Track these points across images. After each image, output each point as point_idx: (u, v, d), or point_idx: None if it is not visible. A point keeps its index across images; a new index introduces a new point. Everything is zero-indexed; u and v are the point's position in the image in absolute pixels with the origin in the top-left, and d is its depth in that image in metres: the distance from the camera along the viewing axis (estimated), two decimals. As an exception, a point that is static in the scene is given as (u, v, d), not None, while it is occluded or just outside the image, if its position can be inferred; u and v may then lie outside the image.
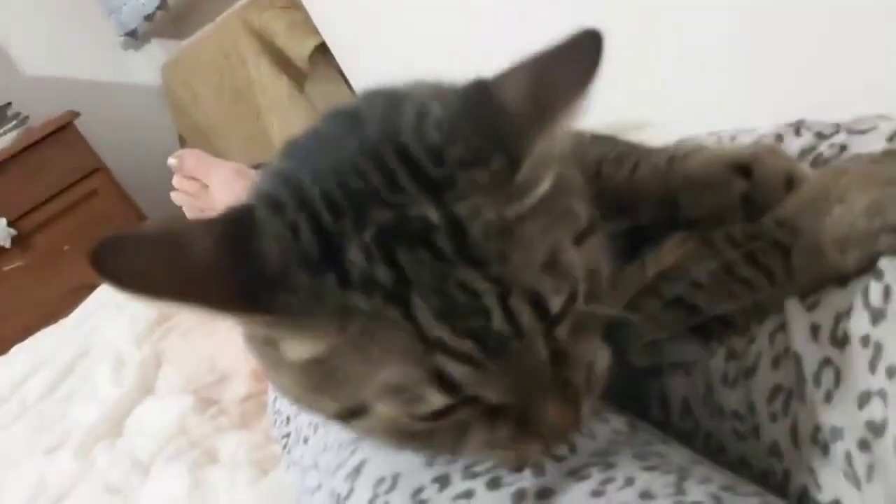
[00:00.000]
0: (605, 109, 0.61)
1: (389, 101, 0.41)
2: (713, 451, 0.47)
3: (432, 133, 0.37)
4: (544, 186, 0.37)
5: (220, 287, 0.35)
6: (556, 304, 0.36)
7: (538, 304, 0.35)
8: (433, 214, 0.35)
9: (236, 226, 0.37)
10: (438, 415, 0.37)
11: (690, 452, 0.45)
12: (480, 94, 0.39)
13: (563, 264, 0.37)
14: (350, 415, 0.38)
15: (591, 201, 0.47)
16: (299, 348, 0.37)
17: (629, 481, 0.38)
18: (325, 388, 0.38)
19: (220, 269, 0.35)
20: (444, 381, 0.35)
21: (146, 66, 3.00)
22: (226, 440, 1.01)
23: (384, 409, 0.37)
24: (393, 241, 0.35)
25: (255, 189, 0.41)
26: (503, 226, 0.35)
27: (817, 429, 0.40)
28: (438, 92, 0.41)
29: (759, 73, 0.94)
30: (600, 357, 0.41)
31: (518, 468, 0.41)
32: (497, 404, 0.37)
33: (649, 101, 1.04)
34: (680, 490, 0.38)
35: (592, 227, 0.40)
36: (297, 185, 0.38)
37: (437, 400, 0.35)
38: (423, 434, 0.39)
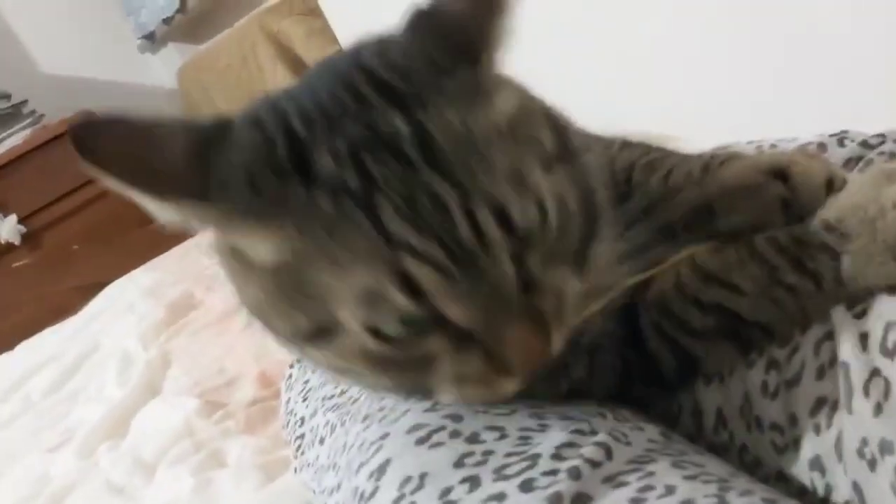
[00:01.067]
0: (626, 121, 0.61)
1: (355, 43, 0.44)
2: (748, 464, 0.46)
3: (395, 56, 0.40)
4: (510, 105, 0.40)
5: (178, 183, 0.37)
6: (521, 218, 0.37)
7: (503, 217, 0.36)
8: (401, 125, 0.37)
9: (212, 133, 0.39)
10: (409, 338, 0.38)
11: (727, 464, 0.43)
12: (426, 13, 0.42)
13: (528, 183, 0.38)
14: (321, 333, 0.39)
15: (613, 203, 0.48)
16: (261, 249, 0.38)
17: (670, 490, 0.37)
18: (296, 300, 0.39)
19: (185, 167, 0.38)
20: (409, 284, 0.36)
21: (163, 68, 3.01)
22: (232, 444, 0.99)
23: (351, 320, 0.37)
24: (362, 150, 0.36)
25: (241, 110, 0.43)
26: (471, 139, 0.37)
27: (864, 442, 0.38)
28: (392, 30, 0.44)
29: (786, 88, 0.93)
30: (571, 288, 0.41)
31: (489, 402, 0.42)
32: (465, 329, 0.38)
33: (672, 115, 1.03)
34: (723, 501, 0.36)
35: (561, 156, 0.41)
36: (276, 105, 0.41)
37: (402, 302, 0.36)
38: (392, 363, 0.40)
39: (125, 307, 1.67)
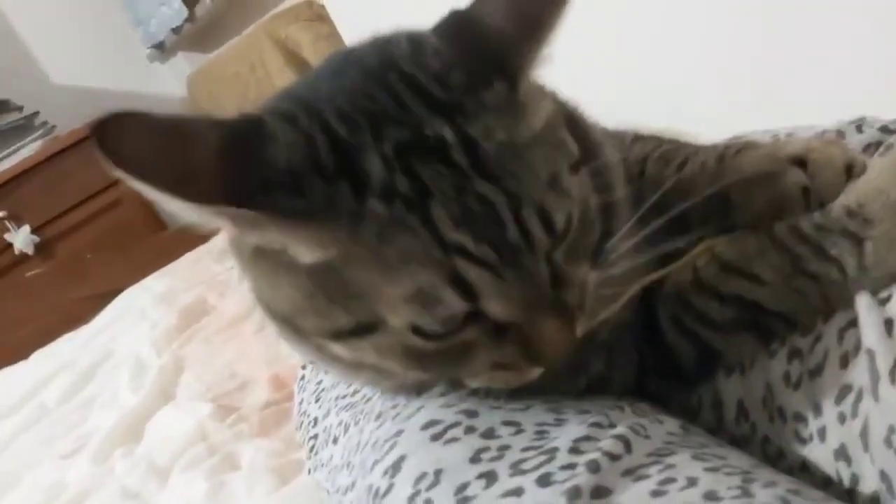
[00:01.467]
0: (628, 112, 0.60)
1: (379, 38, 0.43)
2: (771, 456, 0.45)
3: (432, 61, 0.39)
4: (544, 115, 0.40)
5: (215, 185, 0.35)
6: (559, 220, 0.38)
7: (544, 219, 0.37)
8: (448, 133, 0.37)
9: (245, 130, 0.38)
10: (449, 333, 0.38)
11: (749, 456, 0.42)
12: (466, 22, 0.41)
13: (563, 186, 0.39)
14: (362, 330, 0.39)
15: (628, 198, 0.48)
16: (303, 251, 0.38)
17: (692, 482, 0.36)
18: (337, 299, 0.38)
19: (219, 167, 0.35)
20: (461, 286, 0.36)
21: (172, 77, 3.03)
22: (245, 447, 0.99)
23: (399, 320, 0.37)
24: (411, 156, 0.36)
25: (263, 105, 0.41)
26: (513, 147, 0.37)
27: (892, 430, 0.37)
28: (422, 30, 0.43)
29: (792, 77, 0.92)
30: (591, 278, 0.42)
31: (515, 385, 0.43)
32: (503, 322, 0.38)
33: (675, 105, 1.03)
34: (746, 493, 0.35)
35: (582, 160, 0.42)
36: (307, 102, 0.39)
37: (455, 303, 0.36)
38: (431, 354, 0.40)
39: (138, 314, 1.67)
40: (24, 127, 2.67)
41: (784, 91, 0.94)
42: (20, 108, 2.68)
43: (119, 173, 0.33)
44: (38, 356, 1.77)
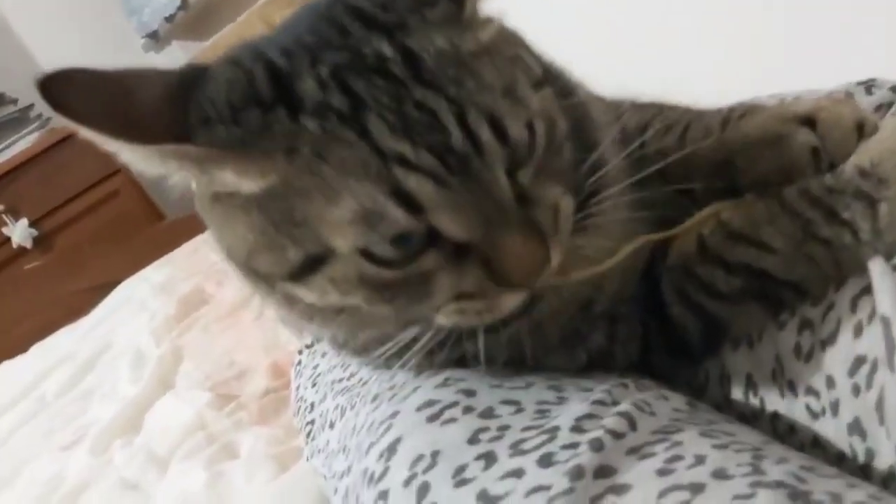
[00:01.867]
0: (628, 79, 0.58)
1: None
2: (781, 433, 0.43)
3: None
4: (492, 31, 0.39)
5: (159, 126, 0.36)
6: (514, 129, 0.36)
7: (497, 127, 0.36)
8: (387, 49, 0.36)
9: (190, 76, 0.38)
10: (406, 259, 0.37)
11: (759, 433, 0.40)
12: None
13: (518, 96, 0.37)
14: (313, 263, 0.38)
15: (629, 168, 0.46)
16: (248, 182, 0.37)
17: (700, 459, 0.34)
18: (285, 230, 0.38)
19: (163, 110, 0.36)
20: (406, 198, 0.35)
21: (167, 67, 3.00)
22: (244, 435, 0.98)
23: (346, 243, 0.36)
24: (347, 73, 0.36)
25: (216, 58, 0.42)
26: (458, 56, 0.36)
27: (909, 401, 0.36)
28: None
29: (795, 44, 0.90)
30: (565, 202, 0.40)
31: (492, 319, 0.40)
32: (461, 243, 0.37)
33: (677, 73, 1.00)
34: (757, 469, 0.33)
35: (547, 80, 0.41)
36: (254, 47, 0.40)
37: (399, 217, 0.35)
38: (390, 284, 0.38)
39: (137, 305, 1.66)
40: (20, 120, 2.65)
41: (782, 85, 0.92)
42: (15, 101, 2.67)
43: (68, 123, 0.34)
44: (37, 349, 1.76)
